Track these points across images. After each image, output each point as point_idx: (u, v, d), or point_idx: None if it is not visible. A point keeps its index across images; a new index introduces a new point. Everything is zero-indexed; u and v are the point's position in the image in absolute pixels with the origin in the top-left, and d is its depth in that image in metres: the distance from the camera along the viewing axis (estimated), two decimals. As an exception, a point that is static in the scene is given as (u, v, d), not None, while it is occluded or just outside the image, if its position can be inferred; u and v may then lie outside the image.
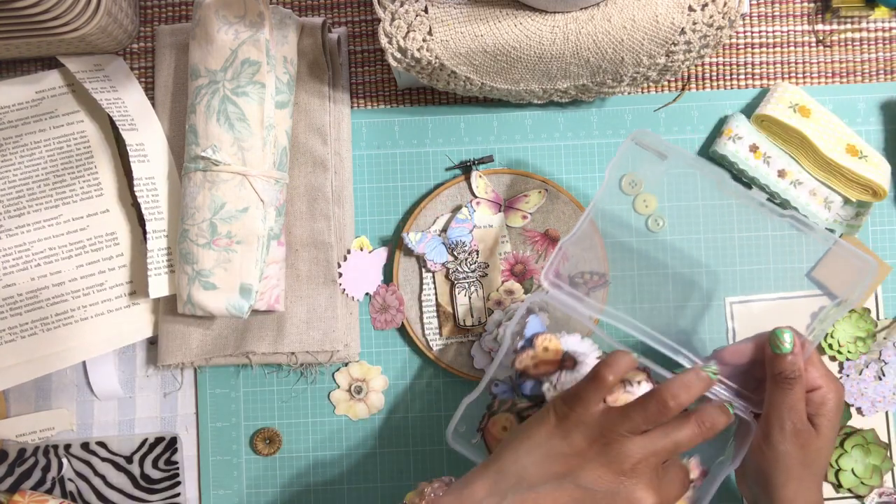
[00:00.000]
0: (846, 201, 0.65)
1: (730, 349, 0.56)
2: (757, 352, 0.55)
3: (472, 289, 0.65)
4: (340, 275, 0.65)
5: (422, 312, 0.65)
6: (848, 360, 0.65)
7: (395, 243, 0.66)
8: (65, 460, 0.65)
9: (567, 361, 0.56)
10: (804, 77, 0.67)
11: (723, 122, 0.67)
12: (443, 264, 0.65)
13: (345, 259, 0.65)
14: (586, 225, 0.57)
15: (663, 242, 0.66)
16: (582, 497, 0.47)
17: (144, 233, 0.64)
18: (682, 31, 0.56)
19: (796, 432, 0.52)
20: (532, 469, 0.48)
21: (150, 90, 0.68)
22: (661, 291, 0.65)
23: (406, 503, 0.48)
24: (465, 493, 0.48)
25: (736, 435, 0.56)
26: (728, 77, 0.68)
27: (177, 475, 0.65)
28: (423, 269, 0.66)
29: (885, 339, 0.65)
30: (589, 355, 0.56)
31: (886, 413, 0.66)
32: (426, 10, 0.56)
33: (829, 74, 0.68)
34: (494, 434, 0.57)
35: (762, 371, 0.54)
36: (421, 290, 0.66)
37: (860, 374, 0.65)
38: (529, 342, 0.57)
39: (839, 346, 0.65)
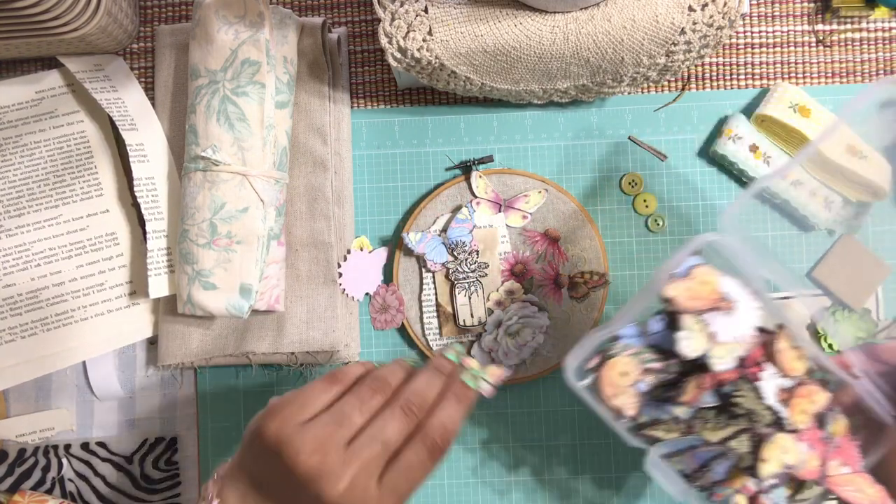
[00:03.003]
0: (846, 201, 0.65)
1: (887, 345, 0.50)
2: None
3: (472, 289, 0.65)
4: (340, 275, 0.65)
5: (422, 312, 0.65)
6: (848, 360, 0.65)
7: (395, 243, 0.66)
8: (65, 460, 0.65)
9: (724, 303, 0.50)
10: (804, 77, 0.67)
11: (723, 122, 0.67)
12: (443, 264, 0.65)
13: (345, 259, 0.65)
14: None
15: (663, 242, 0.66)
16: None
17: (144, 233, 0.64)
18: (682, 31, 0.56)
19: None
20: None
21: (150, 90, 0.68)
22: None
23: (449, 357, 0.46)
24: None
25: (870, 434, 0.51)
26: (728, 77, 0.68)
27: (177, 475, 0.65)
28: (423, 269, 0.66)
29: (885, 339, 0.65)
30: (746, 304, 0.51)
31: (887, 413, 0.65)
32: (426, 10, 0.56)
33: (829, 74, 0.68)
34: (609, 379, 0.51)
35: None
36: (421, 290, 0.66)
37: (860, 374, 0.65)
38: (686, 272, 0.50)
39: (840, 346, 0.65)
